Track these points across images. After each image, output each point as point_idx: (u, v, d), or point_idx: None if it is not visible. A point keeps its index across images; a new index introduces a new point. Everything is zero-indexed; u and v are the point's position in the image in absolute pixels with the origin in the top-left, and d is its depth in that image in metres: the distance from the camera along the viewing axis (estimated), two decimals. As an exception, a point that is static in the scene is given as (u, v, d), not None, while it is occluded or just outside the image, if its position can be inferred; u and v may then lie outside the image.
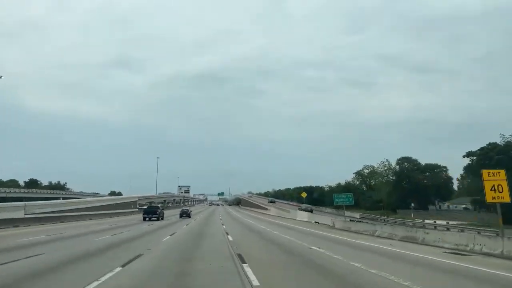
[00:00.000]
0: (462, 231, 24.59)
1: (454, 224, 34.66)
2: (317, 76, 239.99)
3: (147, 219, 40.63)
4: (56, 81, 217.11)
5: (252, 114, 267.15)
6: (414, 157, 76.40)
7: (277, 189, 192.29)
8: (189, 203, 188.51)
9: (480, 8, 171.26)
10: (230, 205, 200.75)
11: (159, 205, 64.08)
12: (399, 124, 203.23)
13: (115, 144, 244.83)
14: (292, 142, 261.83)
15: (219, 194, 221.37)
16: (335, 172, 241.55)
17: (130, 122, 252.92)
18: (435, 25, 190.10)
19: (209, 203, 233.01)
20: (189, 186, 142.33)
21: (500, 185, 14.76)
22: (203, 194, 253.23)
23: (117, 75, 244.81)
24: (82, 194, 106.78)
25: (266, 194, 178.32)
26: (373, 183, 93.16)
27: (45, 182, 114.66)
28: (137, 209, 75.79)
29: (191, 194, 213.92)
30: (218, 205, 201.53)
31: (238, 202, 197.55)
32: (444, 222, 37.80)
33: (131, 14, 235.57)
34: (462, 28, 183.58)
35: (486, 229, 27.97)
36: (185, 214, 50.19)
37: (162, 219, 42.57)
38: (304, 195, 67.73)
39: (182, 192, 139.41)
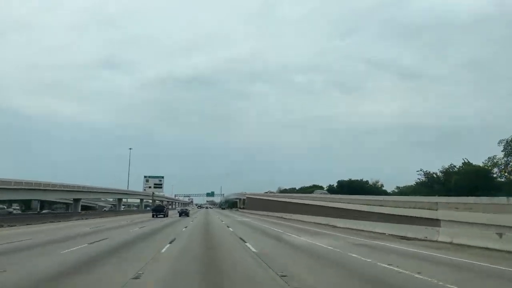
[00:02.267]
0: None
1: None
2: (307, 80, 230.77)
3: (155, 216, 45.75)
4: (41, 81, 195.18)
5: (241, 117, 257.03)
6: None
7: (282, 189, 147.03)
8: (172, 206, 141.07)
9: (468, 17, 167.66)
10: (222, 208, 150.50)
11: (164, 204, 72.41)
12: (386, 129, 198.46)
13: (101, 144, 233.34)
14: (282, 144, 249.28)
15: (208, 195, 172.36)
16: (329, 173, 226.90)
17: (116, 123, 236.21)
18: (423, 31, 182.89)
19: (198, 206, 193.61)
20: (162, 177, 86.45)
21: None
22: (189, 195, 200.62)
23: (104, 76, 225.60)
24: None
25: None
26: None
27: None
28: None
29: (170, 194, 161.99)
30: (207, 208, 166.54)
31: (232, 204, 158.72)
32: None
33: (119, 15, 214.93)
34: (449, 35, 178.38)
35: None
36: (184, 213, 51.01)
37: (167, 216, 46.77)
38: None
39: (150, 187, 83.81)
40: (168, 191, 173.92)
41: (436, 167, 65.66)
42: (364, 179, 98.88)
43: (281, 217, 47.69)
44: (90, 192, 58.56)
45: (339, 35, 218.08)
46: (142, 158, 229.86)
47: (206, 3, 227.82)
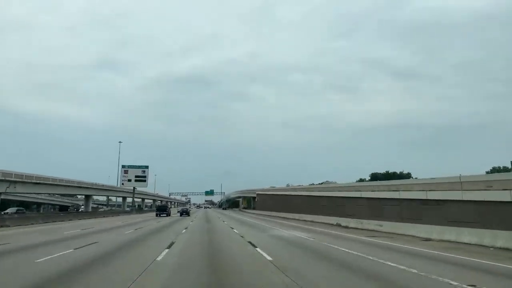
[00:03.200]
0: None
1: None
2: (304, 80, 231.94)
3: (159, 215, 49.49)
4: (38, 82, 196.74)
5: (241, 116, 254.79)
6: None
7: (291, 186, 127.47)
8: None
9: (462, 18, 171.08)
10: (223, 208, 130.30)
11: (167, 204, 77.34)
12: (384, 129, 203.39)
13: (96, 146, 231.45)
14: (278, 145, 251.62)
15: (207, 193, 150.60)
16: (333, 170, 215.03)
17: (113, 124, 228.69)
18: (419, 32, 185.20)
19: (196, 205, 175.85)
20: (146, 167, 64.02)
21: None
22: (186, 194, 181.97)
23: (102, 77, 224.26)
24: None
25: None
26: None
27: None
28: None
29: (164, 192, 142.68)
30: (205, 207, 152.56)
31: (232, 204, 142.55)
32: None
33: (117, 16, 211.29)
34: (444, 36, 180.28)
35: None
36: (185, 213, 53.11)
37: (170, 215, 50.90)
38: None
39: (130, 180, 61.69)
40: (164, 190, 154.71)
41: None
42: (405, 171, 78.76)
43: (339, 225, 26.92)
44: (17, 182, 36.97)
45: (337, 35, 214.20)
46: (139, 157, 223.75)
47: (204, 5, 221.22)
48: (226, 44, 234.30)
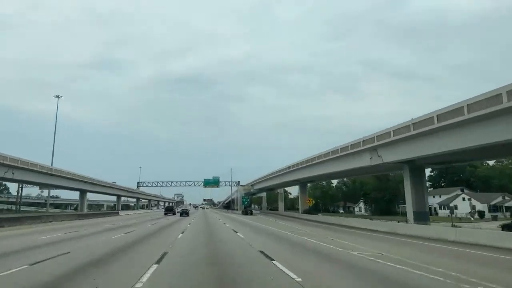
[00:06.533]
0: None
1: None
2: (302, 81, 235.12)
3: (166, 214, 58.56)
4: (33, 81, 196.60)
5: (236, 118, 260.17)
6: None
7: None
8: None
9: (460, 20, 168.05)
10: (246, 211, 67.89)
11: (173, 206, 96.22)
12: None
13: (93, 145, 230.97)
14: (277, 145, 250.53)
15: (207, 183, 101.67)
16: None
17: (110, 124, 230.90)
18: (417, 33, 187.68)
19: (194, 206, 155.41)
20: None
21: None
22: (180, 191, 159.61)
23: (97, 76, 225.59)
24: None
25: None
26: None
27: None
28: None
29: (156, 190, 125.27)
30: (203, 208, 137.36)
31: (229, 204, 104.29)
32: None
33: (113, 15, 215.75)
34: (442, 37, 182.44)
35: None
36: (185, 213, 55.22)
37: (175, 214, 59.61)
38: None
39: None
40: (155, 188, 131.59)
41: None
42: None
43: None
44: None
45: (335, 36, 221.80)
46: (134, 156, 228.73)
47: (203, 4, 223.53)
48: (225, 43, 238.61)
